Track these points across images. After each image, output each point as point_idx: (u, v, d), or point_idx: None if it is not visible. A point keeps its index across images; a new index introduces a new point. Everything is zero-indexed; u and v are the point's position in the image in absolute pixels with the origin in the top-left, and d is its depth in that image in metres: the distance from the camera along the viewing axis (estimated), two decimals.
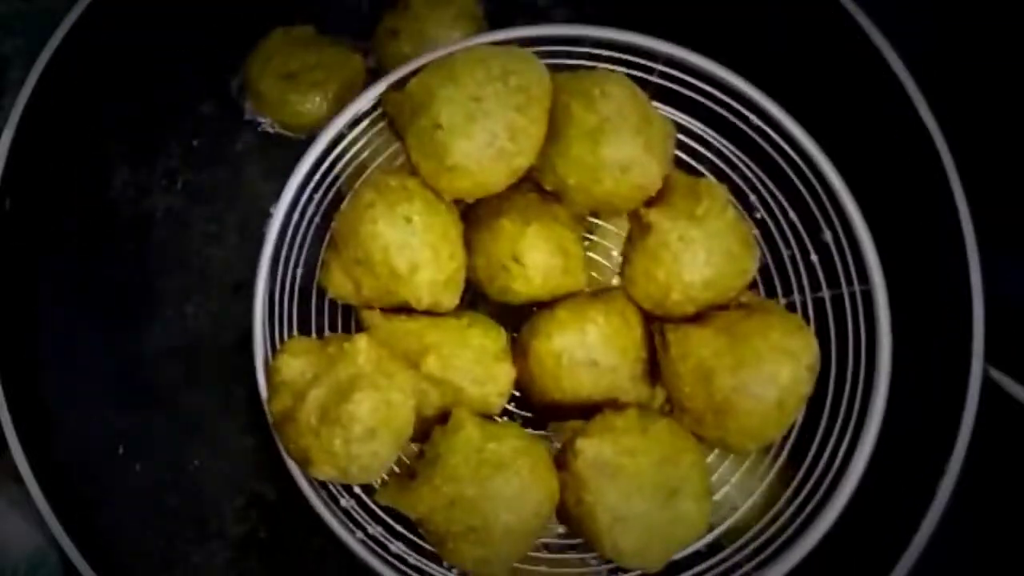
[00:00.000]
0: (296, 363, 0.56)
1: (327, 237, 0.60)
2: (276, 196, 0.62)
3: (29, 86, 0.64)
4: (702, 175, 0.62)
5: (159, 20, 0.71)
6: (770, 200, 0.62)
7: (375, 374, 0.54)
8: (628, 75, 0.59)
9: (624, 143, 0.55)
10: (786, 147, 0.60)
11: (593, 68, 0.59)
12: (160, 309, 0.74)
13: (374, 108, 0.61)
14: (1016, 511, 0.66)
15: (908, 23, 0.65)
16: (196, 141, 0.77)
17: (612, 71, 0.59)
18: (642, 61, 0.61)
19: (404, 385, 0.55)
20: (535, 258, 0.58)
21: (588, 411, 0.58)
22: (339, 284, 0.59)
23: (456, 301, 0.58)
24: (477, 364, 0.57)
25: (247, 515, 0.72)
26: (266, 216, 0.63)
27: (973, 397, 0.59)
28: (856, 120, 0.67)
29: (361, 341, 0.55)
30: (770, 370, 0.55)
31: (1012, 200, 0.67)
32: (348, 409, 0.53)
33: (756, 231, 0.62)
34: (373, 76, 0.75)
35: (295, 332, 0.61)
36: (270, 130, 0.75)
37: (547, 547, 0.61)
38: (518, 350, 0.60)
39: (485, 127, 0.54)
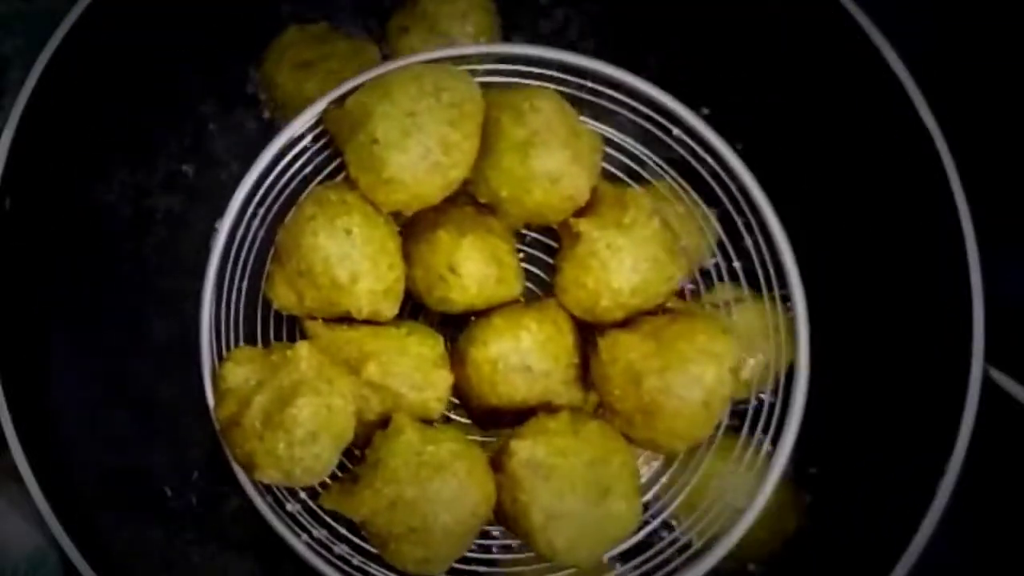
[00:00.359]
0: (241, 371, 0.57)
1: (272, 250, 0.62)
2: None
3: (29, 86, 0.65)
4: (629, 186, 0.64)
5: (159, 20, 0.71)
6: (695, 209, 0.64)
7: (316, 380, 0.55)
8: (558, 91, 0.61)
9: (553, 155, 0.57)
10: (708, 158, 0.62)
11: (524, 84, 0.61)
12: (160, 309, 0.75)
13: (316, 124, 0.62)
14: (1016, 511, 0.66)
15: (908, 23, 0.65)
16: (196, 141, 0.77)
17: (542, 87, 0.61)
18: (571, 78, 0.62)
19: (344, 390, 0.56)
20: (471, 268, 0.59)
21: (524, 415, 0.59)
22: (283, 295, 0.60)
23: (395, 310, 0.60)
24: (416, 371, 0.59)
25: (247, 515, 0.72)
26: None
27: (973, 397, 0.59)
28: (856, 120, 0.67)
29: (303, 348, 0.56)
30: (695, 372, 0.56)
31: (1012, 200, 0.67)
32: (291, 413, 0.54)
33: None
34: None
35: (242, 342, 0.63)
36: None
37: None
38: (456, 357, 0.61)
39: (419, 141, 0.56)
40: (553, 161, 0.57)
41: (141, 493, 0.72)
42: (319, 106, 0.62)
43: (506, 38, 0.78)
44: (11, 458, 0.62)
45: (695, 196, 0.63)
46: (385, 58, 0.78)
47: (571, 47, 0.76)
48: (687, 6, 0.73)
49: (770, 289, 0.61)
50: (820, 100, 0.68)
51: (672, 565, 0.60)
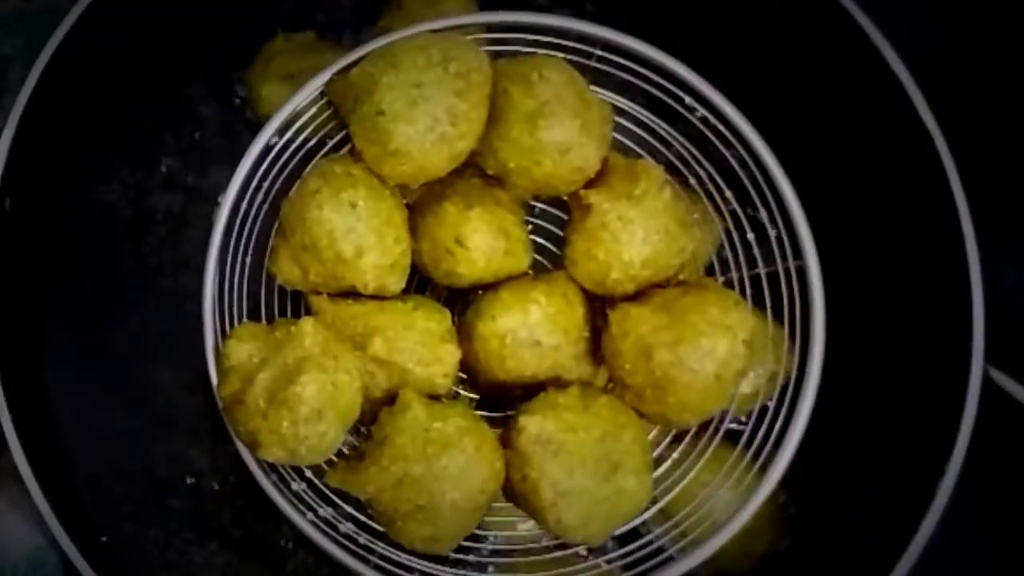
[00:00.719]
0: (244, 348, 0.56)
1: (275, 225, 0.61)
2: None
3: (29, 86, 0.65)
4: (641, 157, 0.63)
5: (159, 20, 0.71)
6: (707, 181, 0.63)
7: (321, 356, 0.55)
8: (567, 60, 0.60)
9: (562, 126, 0.56)
10: (721, 127, 0.61)
11: (533, 54, 0.60)
12: (160, 309, 0.74)
13: (320, 96, 0.62)
14: (1016, 511, 0.66)
15: (908, 23, 0.65)
16: (196, 141, 0.77)
17: (550, 56, 0.59)
18: (581, 46, 0.62)
19: (350, 367, 0.56)
20: (478, 241, 0.58)
21: (533, 390, 0.59)
22: (287, 270, 0.59)
23: (402, 285, 0.59)
24: (422, 346, 0.58)
25: (247, 515, 0.72)
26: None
27: (973, 397, 0.59)
28: (856, 120, 0.66)
29: (307, 324, 0.55)
30: (707, 345, 0.55)
31: (1012, 200, 0.67)
32: (295, 391, 0.53)
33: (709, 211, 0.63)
34: None
35: (245, 319, 0.62)
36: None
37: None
38: (463, 332, 0.61)
39: (426, 112, 0.55)
40: (562, 132, 0.56)
41: (141, 493, 0.72)
42: (323, 77, 0.61)
43: None
44: (11, 458, 0.62)
45: (708, 166, 0.63)
46: None
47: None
48: (687, 7, 0.73)
49: (784, 261, 0.61)
50: (820, 100, 0.68)
51: (642, 568, 0.60)
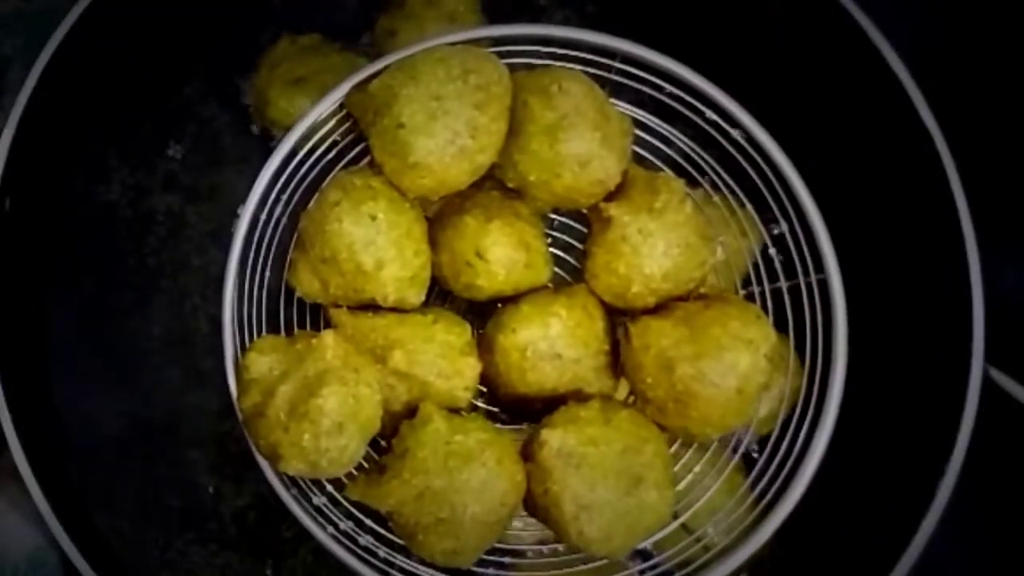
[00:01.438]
0: (264, 360, 0.56)
1: (294, 237, 0.61)
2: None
3: (29, 86, 0.65)
4: (660, 170, 0.63)
5: (159, 20, 0.71)
6: (728, 194, 0.63)
7: (342, 369, 0.55)
8: (586, 72, 0.60)
9: (582, 138, 0.56)
10: (741, 140, 0.61)
11: (551, 66, 0.60)
12: (160, 309, 0.74)
13: (339, 109, 0.61)
14: (1016, 511, 0.66)
15: (908, 23, 0.65)
16: (196, 141, 0.77)
17: (570, 68, 0.59)
18: (600, 59, 0.62)
19: (371, 379, 0.56)
20: (498, 254, 0.58)
21: (553, 404, 0.59)
22: (307, 283, 0.59)
23: (422, 297, 0.59)
24: (443, 359, 0.58)
25: (247, 515, 0.72)
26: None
27: (973, 397, 0.59)
28: (856, 120, 0.67)
29: (328, 337, 0.55)
30: (730, 359, 0.55)
31: (1012, 200, 0.67)
32: (316, 404, 0.53)
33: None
34: None
35: (264, 331, 0.62)
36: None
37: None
38: (483, 345, 0.61)
39: (447, 125, 0.55)
40: (582, 145, 0.56)
41: (141, 493, 0.72)
42: (342, 90, 0.61)
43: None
44: (11, 458, 0.62)
45: (728, 179, 0.63)
46: None
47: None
48: (686, 7, 0.73)
49: (806, 275, 0.60)
50: (820, 100, 0.68)
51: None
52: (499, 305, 0.62)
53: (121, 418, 0.72)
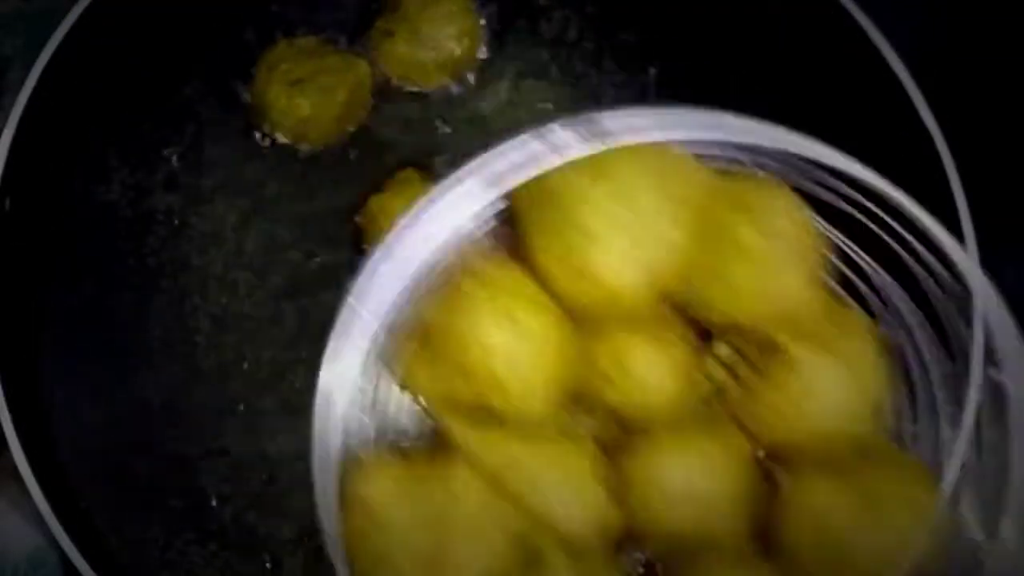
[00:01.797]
0: (380, 484, 0.51)
1: (410, 327, 0.52)
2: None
3: (29, 86, 0.65)
4: (844, 298, 0.56)
5: (159, 20, 0.71)
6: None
7: (480, 514, 0.50)
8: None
9: (789, 272, 0.50)
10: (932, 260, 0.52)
11: (747, 166, 0.52)
12: (160, 309, 0.74)
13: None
14: None
15: (908, 23, 0.65)
16: (196, 141, 0.77)
17: (780, 185, 0.52)
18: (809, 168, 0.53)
19: (507, 526, 0.51)
20: (641, 370, 0.53)
21: (683, 545, 0.54)
22: (424, 383, 0.53)
23: (549, 409, 0.53)
24: (565, 484, 0.52)
25: (247, 515, 0.72)
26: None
27: (973, 397, 0.59)
28: (856, 120, 0.66)
29: (461, 479, 0.51)
30: (890, 522, 0.50)
31: (1012, 200, 0.67)
32: (455, 562, 0.49)
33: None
34: (379, 85, 0.76)
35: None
36: (284, 140, 0.75)
37: None
38: (613, 472, 0.54)
39: (634, 238, 0.48)
40: (792, 279, 0.50)
41: (141, 493, 0.72)
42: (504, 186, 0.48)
43: (499, 40, 0.78)
44: (11, 458, 0.62)
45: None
46: (374, 71, 0.77)
47: (570, 48, 0.76)
48: (686, 7, 0.72)
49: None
50: (820, 100, 0.68)
51: None
52: (635, 428, 0.55)
53: (121, 418, 0.72)
